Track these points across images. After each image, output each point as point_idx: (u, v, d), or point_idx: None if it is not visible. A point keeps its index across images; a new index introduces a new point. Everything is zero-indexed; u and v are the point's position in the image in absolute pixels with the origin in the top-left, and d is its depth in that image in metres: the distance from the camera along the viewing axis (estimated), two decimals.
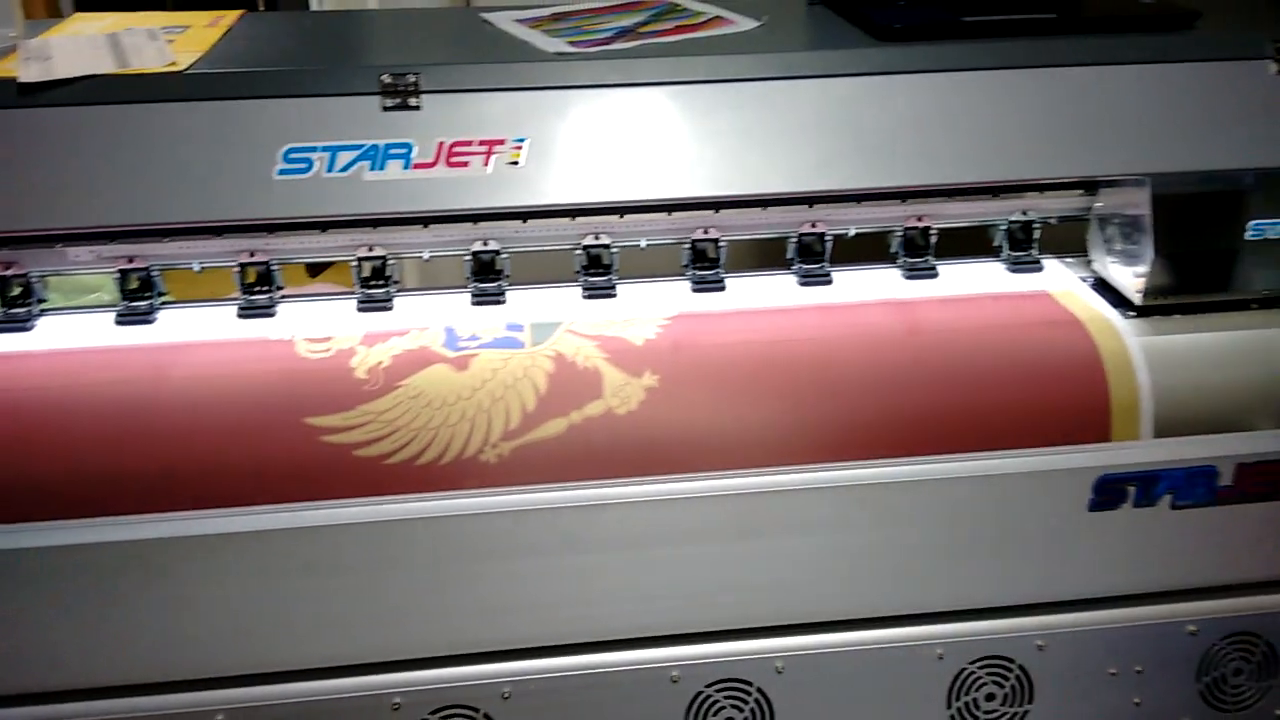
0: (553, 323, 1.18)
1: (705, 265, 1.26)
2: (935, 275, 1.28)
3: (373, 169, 1.15)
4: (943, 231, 1.28)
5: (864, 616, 1.19)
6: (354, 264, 1.22)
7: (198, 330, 1.17)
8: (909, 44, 1.26)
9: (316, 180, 1.14)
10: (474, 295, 1.23)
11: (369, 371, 1.11)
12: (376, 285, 1.23)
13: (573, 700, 1.15)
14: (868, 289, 1.26)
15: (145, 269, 1.19)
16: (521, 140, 1.17)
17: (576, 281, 1.25)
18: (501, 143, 1.17)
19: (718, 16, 1.41)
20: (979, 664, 1.21)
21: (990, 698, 1.23)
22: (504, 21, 1.42)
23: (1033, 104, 1.23)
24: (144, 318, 1.19)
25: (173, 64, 1.18)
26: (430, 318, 1.19)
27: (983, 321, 1.20)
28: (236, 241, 1.18)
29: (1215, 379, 1.18)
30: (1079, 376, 1.16)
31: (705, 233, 1.25)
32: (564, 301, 1.23)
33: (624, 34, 1.33)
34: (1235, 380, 1.19)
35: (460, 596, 1.11)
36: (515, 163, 1.17)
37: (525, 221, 1.21)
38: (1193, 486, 1.18)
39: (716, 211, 1.23)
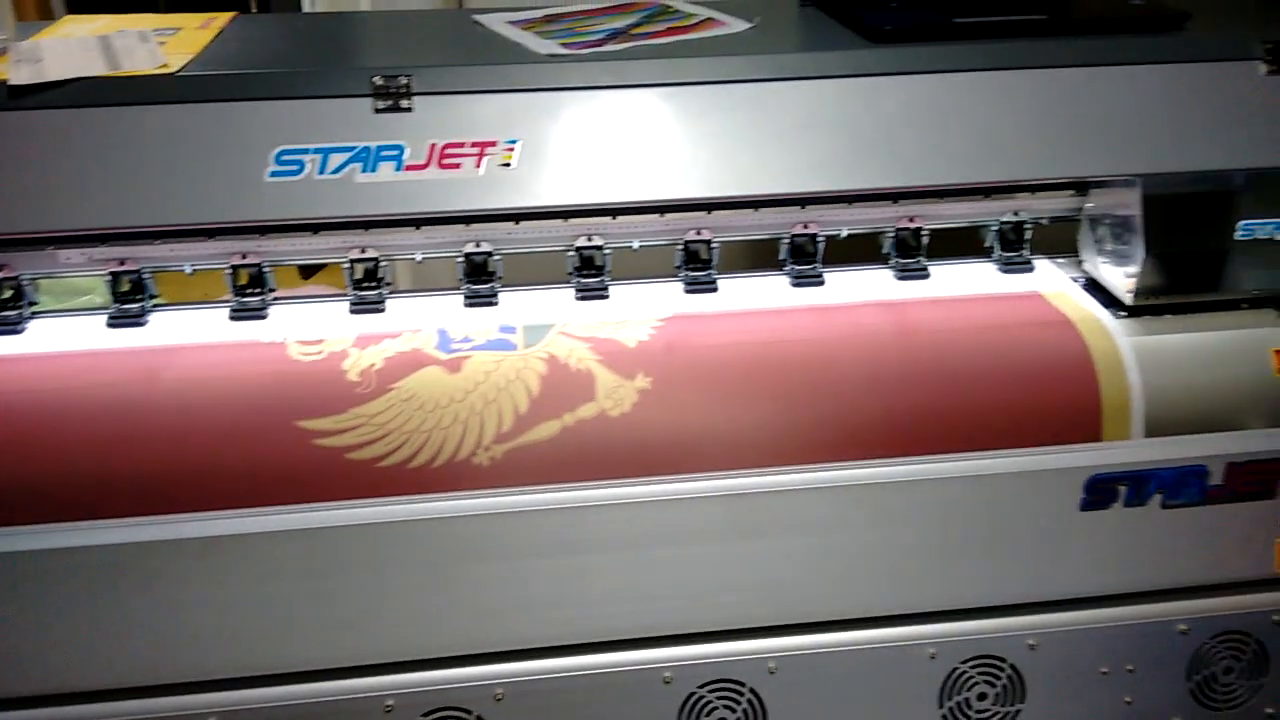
0: (545, 324, 1.18)
1: (698, 266, 1.26)
2: (927, 276, 1.29)
3: (365, 171, 1.15)
4: (934, 232, 1.29)
5: (856, 616, 1.19)
6: (346, 266, 1.22)
7: (190, 333, 1.17)
8: (900, 45, 1.26)
9: (308, 182, 1.14)
10: (466, 297, 1.23)
11: (361, 374, 1.11)
12: (369, 287, 1.22)
13: (565, 702, 1.16)
14: (860, 290, 1.26)
15: (137, 271, 1.18)
16: (514, 142, 1.17)
17: (569, 283, 1.25)
18: (494, 144, 1.17)
19: (710, 18, 1.41)
20: (971, 663, 1.22)
21: (982, 697, 1.23)
22: (496, 23, 1.42)
23: (1024, 105, 1.23)
24: (135, 320, 1.18)
25: (164, 66, 1.18)
26: (423, 320, 1.19)
27: (974, 322, 1.21)
28: (228, 244, 1.18)
29: (1206, 379, 1.19)
30: (1070, 376, 1.16)
31: (698, 234, 1.25)
32: (557, 303, 1.23)
33: (616, 36, 1.33)
34: (1226, 380, 1.19)
35: (452, 599, 1.11)
36: (507, 164, 1.17)
37: (518, 223, 1.21)
38: (1183, 486, 1.18)
39: (709, 213, 1.23)
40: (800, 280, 1.27)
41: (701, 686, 1.18)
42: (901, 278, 1.29)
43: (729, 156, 1.19)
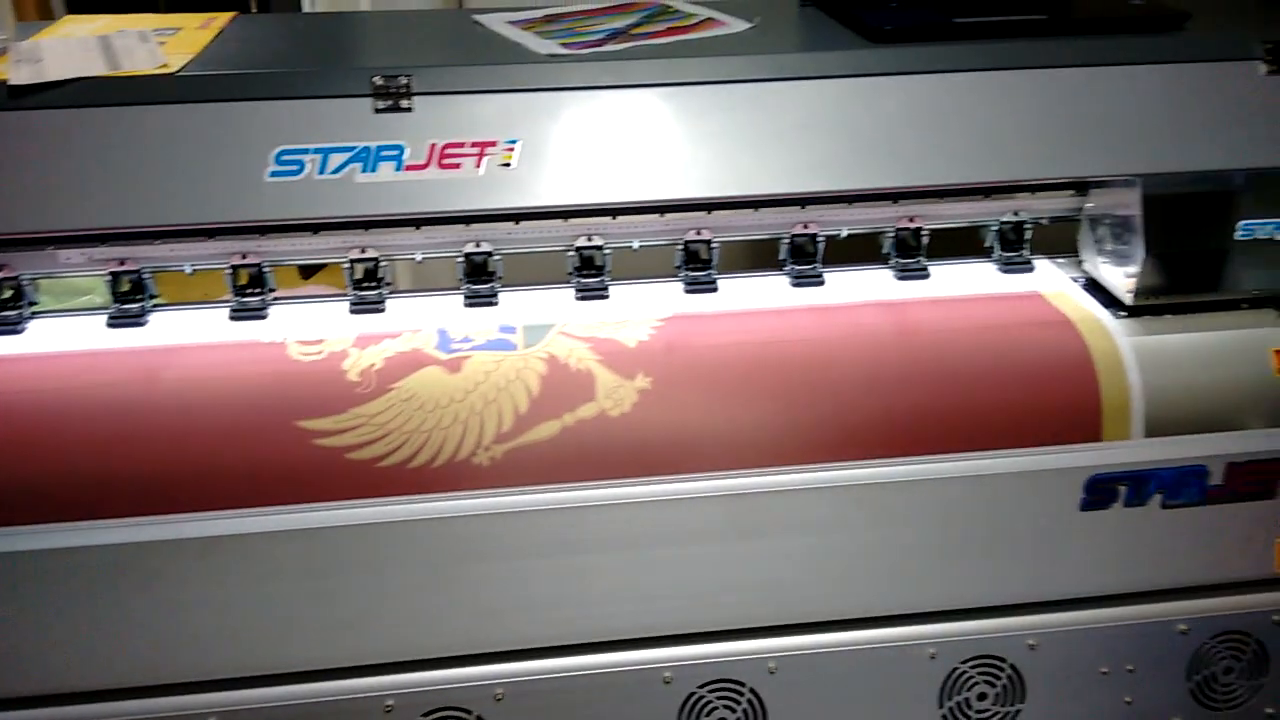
0: (545, 324, 1.18)
1: (698, 266, 1.26)
2: (927, 276, 1.29)
3: (365, 171, 1.15)
4: (934, 232, 1.29)
5: (856, 616, 1.19)
6: (346, 266, 1.22)
7: (190, 333, 1.17)
8: (900, 45, 1.26)
9: (308, 182, 1.14)
10: (466, 297, 1.23)
11: (361, 374, 1.11)
12: (369, 287, 1.22)
13: (565, 702, 1.16)
14: (860, 290, 1.26)
15: (137, 271, 1.18)
16: (514, 142, 1.17)
17: (569, 283, 1.25)
18: (494, 144, 1.17)
19: (710, 18, 1.41)
20: (971, 663, 1.22)
21: (982, 697, 1.23)
22: (496, 23, 1.42)
23: (1024, 105, 1.23)
24: (135, 320, 1.18)
25: (164, 66, 1.18)
26: (423, 320, 1.19)
27: (974, 322, 1.21)
28: (228, 244, 1.18)
29: (1206, 379, 1.19)
30: (1070, 376, 1.16)
31: (698, 234, 1.25)
32: (557, 303, 1.23)
33: (616, 36, 1.33)
34: (1226, 380, 1.19)
35: (452, 599, 1.11)
36: (507, 164, 1.17)
37: (518, 223, 1.21)
38: (1183, 486, 1.18)
39: (709, 213, 1.23)
40: (800, 280, 1.27)
41: (701, 686, 1.18)
42: (901, 278, 1.29)
43: (729, 156, 1.19)
